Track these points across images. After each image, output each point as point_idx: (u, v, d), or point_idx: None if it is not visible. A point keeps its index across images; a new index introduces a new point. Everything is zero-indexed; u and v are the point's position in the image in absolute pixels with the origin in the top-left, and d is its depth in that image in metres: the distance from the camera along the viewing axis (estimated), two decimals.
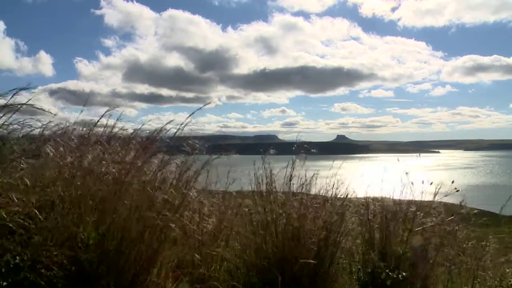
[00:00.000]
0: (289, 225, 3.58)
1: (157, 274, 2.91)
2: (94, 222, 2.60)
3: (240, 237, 3.80)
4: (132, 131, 3.40)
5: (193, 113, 3.21)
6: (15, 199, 2.37)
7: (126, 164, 2.84)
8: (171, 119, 3.29)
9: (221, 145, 3.59)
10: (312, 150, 3.99)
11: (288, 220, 3.60)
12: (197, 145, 3.26)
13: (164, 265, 2.99)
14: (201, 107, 3.30)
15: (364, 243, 4.12)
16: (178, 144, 3.23)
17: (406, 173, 4.11)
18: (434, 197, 4.18)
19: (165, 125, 3.26)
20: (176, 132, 3.18)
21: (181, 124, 3.18)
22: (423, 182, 4.07)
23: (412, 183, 4.07)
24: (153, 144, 3.14)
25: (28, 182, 2.51)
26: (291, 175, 3.86)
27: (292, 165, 3.88)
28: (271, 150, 3.95)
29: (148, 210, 2.75)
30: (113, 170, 2.75)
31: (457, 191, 4.09)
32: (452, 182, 4.06)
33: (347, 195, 4.02)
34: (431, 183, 4.08)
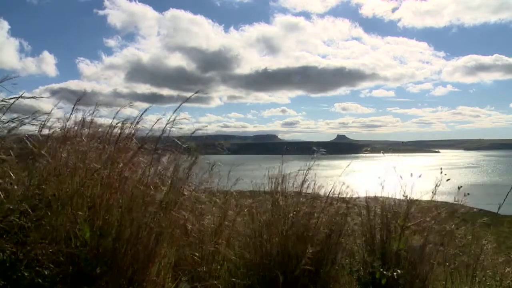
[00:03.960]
0: (294, 226, 3.58)
1: (156, 273, 2.90)
2: (88, 221, 2.60)
3: (241, 236, 3.80)
4: (132, 130, 3.38)
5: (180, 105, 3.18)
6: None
7: (119, 163, 2.84)
8: (170, 118, 3.26)
9: (219, 143, 3.58)
10: (323, 151, 4.00)
11: (295, 220, 3.61)
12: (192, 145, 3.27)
13: (164, 264, 2.98)
14: (188, 98, 3.23)
15: (365, 243, 4.12)
16: (176, 144, 3.23)
17: (411, 174, 4.10)
18: (433, 196, 4.18)
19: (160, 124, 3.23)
20: (158, 127, 3.15)
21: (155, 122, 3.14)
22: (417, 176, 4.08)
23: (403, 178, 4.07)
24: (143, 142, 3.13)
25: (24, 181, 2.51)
26: (305, 176, 3.86)
27: (308, 166, 3.88)
28: (322, 150, 3.94)
29: (142, 209, 2.74)
30: (100, 167, 2.74)
31: (468, 194, 4.11)
32: (448, 179, 4.05)
33: (350, 196, 4.02)
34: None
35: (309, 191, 3.96)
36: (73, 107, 3.26)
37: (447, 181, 4.02)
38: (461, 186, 4.10)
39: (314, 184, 3.96)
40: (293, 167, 3.98)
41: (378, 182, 4.30)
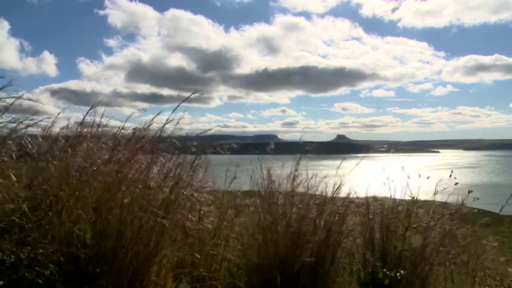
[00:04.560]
0: (290, 226, 3.58)
1: (156, 274, 2.91)
2: (90, 221, 2.60)
3: (241, 236, 3.80)
4: (132, 130, 3.39)
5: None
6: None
7: (119, 163, 2.84)
8: (170, 118, 3.27)
9: (221, 145, 3.57)
10: (309, 148, 4.00)
11: (289, 220, 3.60)
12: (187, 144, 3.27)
13: (164, 265, 2.98)
14: (186, 98, 3.25)
15: (365, 243, 4.12)
16: (177, 144, 3.24)
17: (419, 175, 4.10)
18: (435, 195, 4.19)
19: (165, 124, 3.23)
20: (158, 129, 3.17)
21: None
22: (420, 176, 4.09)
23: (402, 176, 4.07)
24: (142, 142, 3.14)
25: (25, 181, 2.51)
26: (294, 175, 3.85)
27: (296, 165, 3.87)
28: (308, 148, 3.92)
29: (141, 209, 2.75)
30: (105, 169, 2.76)
31: (470, 191, 4.12)
32: (456, 183, 4.06)
33: (348, 195, 4.01)
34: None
35: (307, 190, 3.96)
36: (88, 112, 3.27)
37: (455, 185, 4.03)
38: (471, 191, 4.12)
39: (311, 183, 3.96)
40: (291, 167, 3.98)
41: (380, 182, 4.29)
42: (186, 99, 3.22)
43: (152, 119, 3.23)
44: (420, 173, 4.18)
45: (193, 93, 3.23)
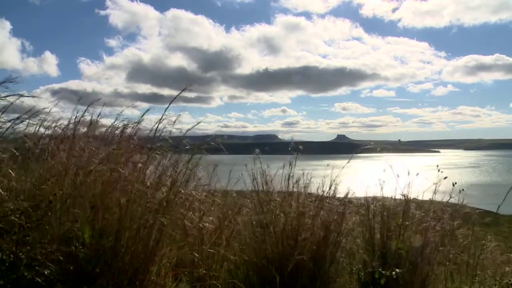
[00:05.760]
0: (288, 225, 3.57)
1: (156, 273, 2.90)
2: (89, 221, 2.60)
3: (240, 236, 3.80)
4: (134, 131, 3.38)
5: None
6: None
7: (118, 163, 2.84)
8: (171, 118, 3.27)
9: (214, 143, 3.56)
10: (300, 147, 4.01)
11: (287, 219, 3.60)
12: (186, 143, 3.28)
13: (164, 264, 2.98)
14: (177, 95, 3.25)
15: (365, 243, 4.11)
16: (176, 143, 3.24)
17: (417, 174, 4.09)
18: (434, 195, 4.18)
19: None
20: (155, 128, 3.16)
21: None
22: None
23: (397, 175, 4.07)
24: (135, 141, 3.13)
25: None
26: (289, 175, 3.85)
27: (290, 164, 3.88)
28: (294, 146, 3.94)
29: (142, 208, 2.74)
30: (104, 168, 2.75)
31: (462, 190, 4.12)
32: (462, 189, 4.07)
33: (347, 194, 4.01)
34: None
35: (304, 190, 3.96)
36: (74, 108, 3.28)
37: (444, 179, 4.03)
38: (455, 183, 4.10)
39: (306, 182, 3.96)
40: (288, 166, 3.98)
41: (376, 181, 4.29)
42: (177, 96, 3.23)
43: (143, 115, 3.23)
44: (416, 172, 4.18)
45: (183, 90, 3.22)
